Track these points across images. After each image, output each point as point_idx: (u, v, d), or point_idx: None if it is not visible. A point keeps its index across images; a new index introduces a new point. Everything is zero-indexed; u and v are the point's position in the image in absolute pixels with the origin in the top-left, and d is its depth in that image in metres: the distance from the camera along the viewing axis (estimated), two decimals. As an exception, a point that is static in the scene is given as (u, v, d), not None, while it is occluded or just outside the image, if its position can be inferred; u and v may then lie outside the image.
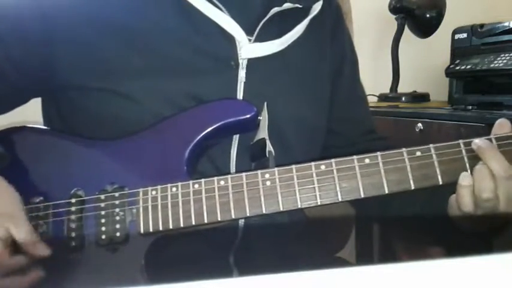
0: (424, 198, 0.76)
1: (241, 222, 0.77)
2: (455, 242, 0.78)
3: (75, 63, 0.73)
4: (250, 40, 0.77)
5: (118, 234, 0.66)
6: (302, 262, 0.83)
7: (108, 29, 0.72)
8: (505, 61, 1.22)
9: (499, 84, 1.29)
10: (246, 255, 0.79)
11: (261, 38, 0.77)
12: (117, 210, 0.67)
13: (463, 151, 0.63)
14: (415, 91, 1.63)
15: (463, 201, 0.63)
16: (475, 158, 0.62)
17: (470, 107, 1.32)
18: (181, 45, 0.74)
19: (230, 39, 0.76)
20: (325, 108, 0.86)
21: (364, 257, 1.43)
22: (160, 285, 0.31)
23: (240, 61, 0.76)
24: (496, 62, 1.24)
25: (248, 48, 0.76)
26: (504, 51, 1.25)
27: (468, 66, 1.31)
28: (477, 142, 0.62)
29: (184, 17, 0.74)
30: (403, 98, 1.59)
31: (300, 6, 0.80)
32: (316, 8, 0.83)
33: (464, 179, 0.62)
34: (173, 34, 0.74)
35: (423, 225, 0.81)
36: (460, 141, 0.63)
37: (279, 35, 0.78)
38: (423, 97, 1.60)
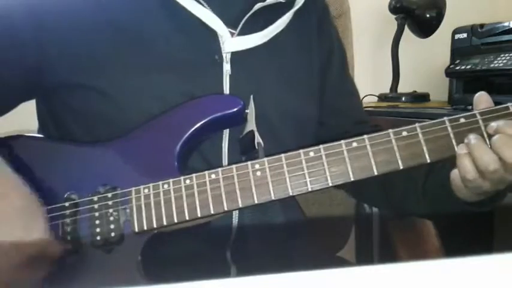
0: (423, 178, 0.77)
1: (240, 221, 0.77)
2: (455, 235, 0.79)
3: (63, 62, 0.73)
4: (233, 34, 0.77)
5: (113, 234, 0.66)
6: (302, 262, 0.84)
7: (92, 26, 0.73)
8: (505, 61, 1.22)
9: (499, 84, 1.29)
10: (246, 256, 0.79)
11: (244, 32, 0.78)
12: (110, 210, 0.67)
13: (449, 128, 0.63)
14: (415, 91, 1.63)
15: (465, 169, 0.62)
16: (460, 134, 0.62)
17: (470, 107, 1.31)
18: (164, 41, 0.75)
19: (213, 34, 0.76)
20: (313, 99, 0.86)
21: (364, 257, 1.42)
22: (159, 285, 0.31)
23: (224, 55, 0.76)
24: (496, 62, 1.24)
25: (231, 42, 0.76)
26: (504, 51, 1.25)
27: (468, 66, 1.31)
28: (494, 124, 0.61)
29: (166, 12, 0.75)
30: (403, 98, 1.59)
31: (283, 0, 0.80)
32: (300, 1, 0.84)
33: (462, 148, 0.62)
34: (156, 30, 0.75)
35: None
36: (445, 118, 0.64)
37: (262, 28, 0.79)
38: (423, 97, 1.60)
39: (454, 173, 0.67)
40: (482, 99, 0.65)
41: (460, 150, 0.62)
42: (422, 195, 0.78)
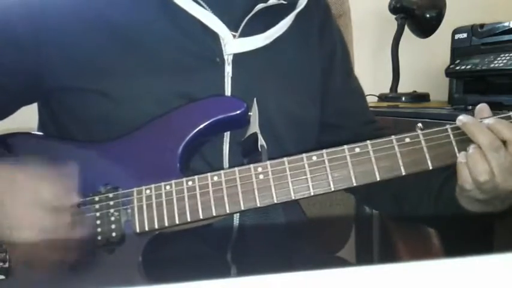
0: (436, 189, 0.77)
1: (241, 222, 0.77)
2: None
3: (62, 65, 0.73)
4: (235, 36, 0.77)
5: (114, 234, 0.67)
6: (302, 262, 0.84)
7: (93, 29, 0.73)
8: (505, 61, 1.21)
9: (499, 84, 1.29)
10: (246, 256, 0.79)
11: (246, 34, 0.78)
12: (111, 211, 0.67)
13: (451, 135, 0.64)
14: (415, 91, 1.63)
15: (462, 176, 0.63)
16: (462, 142, 0.63)
17: (470, 107, 1.31)
18: (165, 43, 0.75)
19: (214, 36, 0.76)
20: (315, 101, 0.86)
21: (364, 257, 1.42)
22: (159, 285, 0.31)
23: (225, 57, 0.76)
24: (496, 62, 1.24)
25: (232, 44, 0.76)
26: (504, 51, 1.25)
27: (468, 66, 1.31)
28: (461, 118, 0.64)
29: (167, 15, 0.75)
30: (403, 98, 1.59)
31: (285, 2, 0.80)
32: (302, 3, 0.83)
33: (463, 156, 0.63)
34: (157, 33, 0.75)
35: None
36: (448, 126, 0.64)
37: (264, 30, 0.79)
38: (423, 97, 1.60)
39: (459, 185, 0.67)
40: (482, 111, 0.66)
41: (460, 159, 0.63)
42: (434, 204, 0.78)
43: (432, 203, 0.78)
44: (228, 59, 0.76)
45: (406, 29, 1.62)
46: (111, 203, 0.67)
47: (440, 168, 0.65)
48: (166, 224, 0.65)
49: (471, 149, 0.62)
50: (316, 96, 0.87)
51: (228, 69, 0.76)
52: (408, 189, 0.82)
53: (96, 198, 0.68)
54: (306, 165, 0.64)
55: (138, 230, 0.66)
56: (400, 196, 0.84)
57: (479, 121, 0.64)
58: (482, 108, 0.66)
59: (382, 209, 1.03)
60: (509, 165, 0.62)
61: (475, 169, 0.62)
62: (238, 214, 0.77)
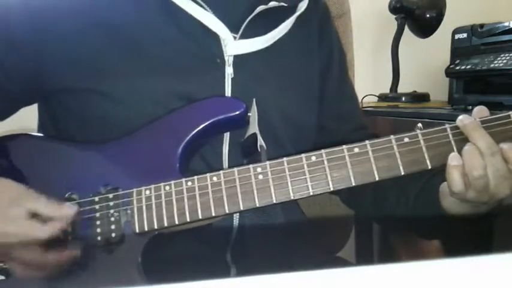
0: (416, 191, 0.77)
1: (240, 222, 0.77)
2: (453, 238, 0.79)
3: (63, 66, 0.73)
4: (235, 38, 0.77)
5: (113, 235, 0.67)
6: (302, 262, 0.84)
7: (93, 30, 0.73)
8: (505, 61, 1.21)
9: (499, 84, 1.29)
10: (245, 256, 0.79)
11: (246, 36, 0.78)
12: (111, 211, 0.67)
13: (450, 135, 0.64)
14: (415, 91, 1.63)
15: (453, 179, 0.63)
16: (461, 141, 0.63)
17: (470, 107, 1.31)
18: (166, 44, 0.75)
19: (215, 37, 0.76)
20: (313, 103, 0.86)
21: (364, 257, 1.42)
22: (159, 285, 0.31)
23: (226, 58, 0.76)
24: (496, 62, 1.24)
25: (233, 45, 0.76)
26: (504, 51, 1.25)
27: (468, 66, 1.31)
28: (462, 119, 0.63)
29: (168, 16, 0.75)
30: (403, 98, 1.59)
31: (285, 4, 0.81)
32: (302, 6, 0.84)
33: (453, 159, 0.62)
34: (158, 34, 0.75)
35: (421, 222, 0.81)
36: (447, 125, 0.64)
37: (264, 32, 0.79)
38: (423, 97, 1.60)
39: (444, 186, 0.68)
40: (480, 112, 0.66)
41: (451, 161, 0.63)
42: (412, 208, 0.78)
43: (411, 206, 0.78)
44: (229, 60, 0.76)
45: (406, 29, 1.62)
46: (111, 203, 0.68)
47: (414, 176, 0.65)
48: (165, 225, 0.65)
49: (468, 145, 0.62)
50: (314, 99, 0.87)
51: (229, 70, 0.76)
52: (388, 191, 0.82)
53: (96, 199, 0.68)
54: (305, 166, 0.64)
55: (137, 231, 0.66)
56: (380, 198, 0.84)
57: (479, 123, 0.63)
58: (481, 110, 0.65)
59: (363, 210, 1.03)
60: (504, 172, 0.62)
61: (471, 163, 0.61)
62: (237, 214, 0.77)
